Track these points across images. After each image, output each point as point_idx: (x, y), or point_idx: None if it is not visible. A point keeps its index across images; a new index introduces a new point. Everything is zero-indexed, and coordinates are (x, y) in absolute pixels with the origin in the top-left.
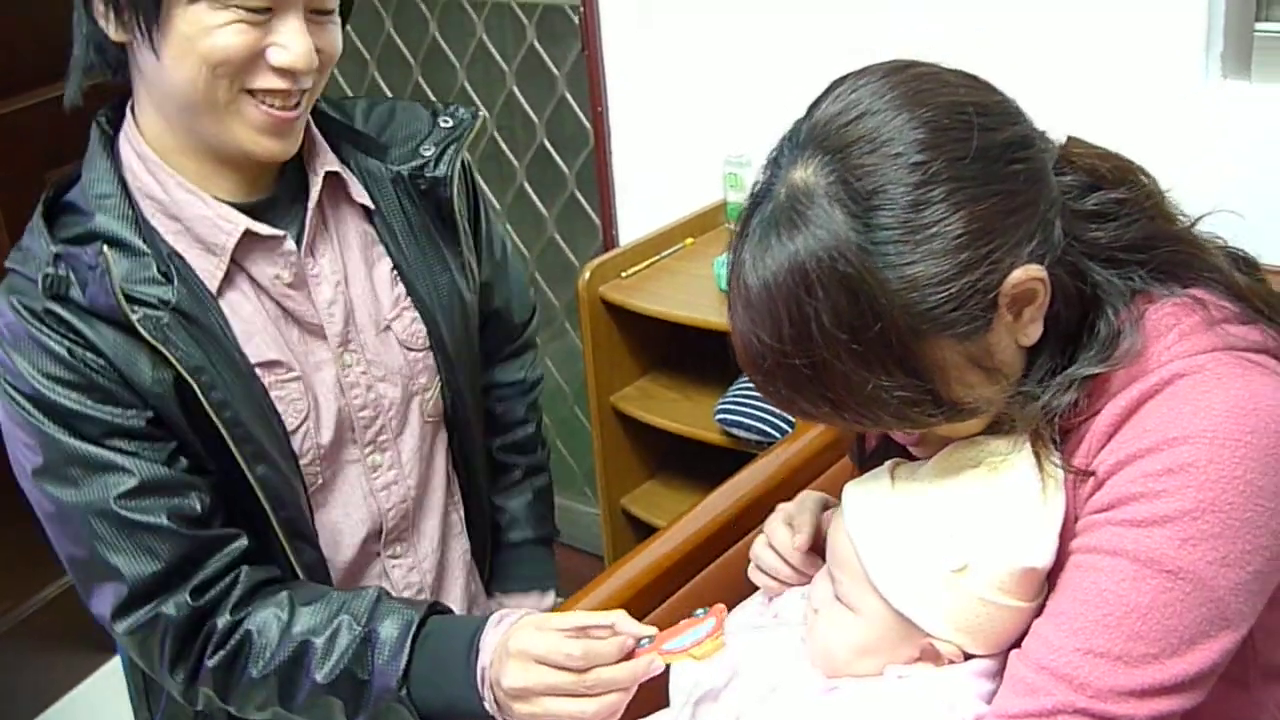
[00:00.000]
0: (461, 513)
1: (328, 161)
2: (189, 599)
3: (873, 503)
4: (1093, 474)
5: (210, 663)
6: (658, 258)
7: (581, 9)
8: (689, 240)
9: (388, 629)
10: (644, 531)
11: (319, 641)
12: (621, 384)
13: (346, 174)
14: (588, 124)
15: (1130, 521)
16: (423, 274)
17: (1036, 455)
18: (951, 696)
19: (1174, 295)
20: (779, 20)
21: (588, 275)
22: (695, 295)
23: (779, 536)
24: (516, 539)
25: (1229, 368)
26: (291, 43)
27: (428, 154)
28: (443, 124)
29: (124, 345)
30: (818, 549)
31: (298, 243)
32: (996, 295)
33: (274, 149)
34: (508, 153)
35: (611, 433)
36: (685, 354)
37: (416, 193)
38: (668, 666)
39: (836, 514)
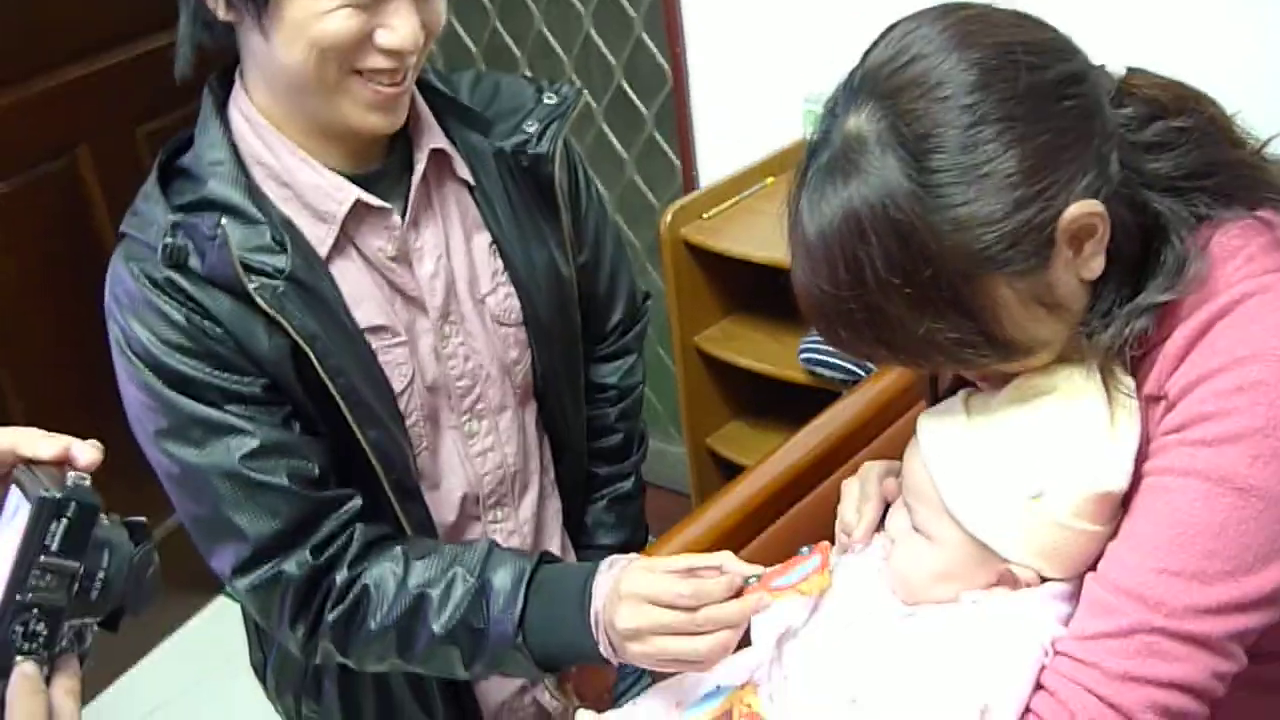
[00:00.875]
0: (553, 477)
1: (434, 138)
2: (309, 556)
3: (947, 431)
4: (1164, 397)
5: (330, 617)
6: (739, 198)
7: None
8: (770, 180)
9: (501, 578)
10: (730, 471)
11: (435, 593)
12: (705, 325)
13: (451, 150)
14: (665, 65)
15: (1201, 441)
16: (520, 249)
17: (1106, 383)
18: (1028, 619)
19: (1240, 218)
20: None
21: (669, 217)
22: (777, 235)
23: (848, 518)
24: (593, 544)
25: None
26: (400, 24)
27: (530, 130)
28: (547, 100)
29: (241, 313)
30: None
31: (402, 216)
32: (1053, 231)
33: (381, 124)
34: (586, 95)
35: (695, 373)
36: (768, 294)
37: (518, 169)
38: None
39: (912, 444)
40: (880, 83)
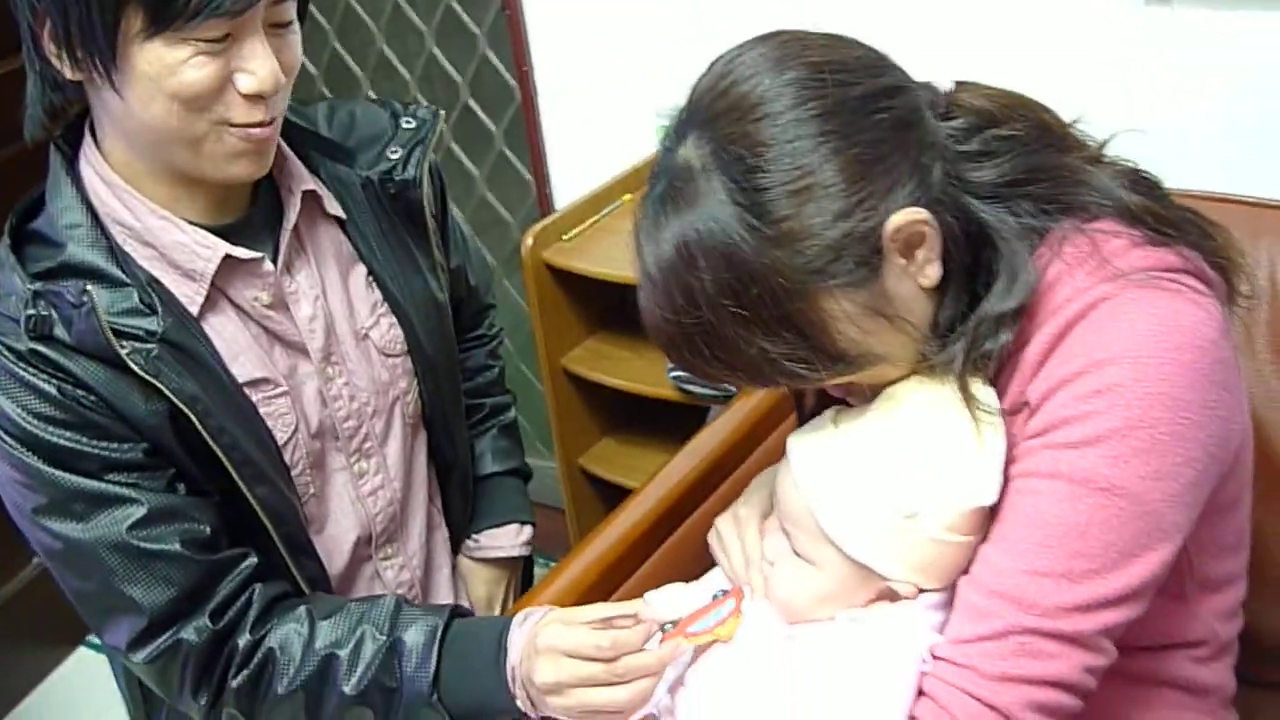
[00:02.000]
0: (440, 502)
1: (302, 179)
2: (208, 622)
3: (818, 454)
4: (1026, 403)
5: (234, 683)
6: (597, 217)
7: None
8: (626, 197)
9: (413, 636)
10: (602, 487)
11: (344, 653)
12: (570, 345)
13: (320, 189)
14: (512, 82)
15: (1063, 444)
16: (396, 278)
17: (964, 397)
18: (906, 631)
19: (1081, 228)
20: None
21: (530, 241)
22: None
23: (740, 575)
24: (484, 474)
25: (1147, 290)
26: (257, 67)
27: (395, 157)
28: (405, 125)
29: (114, 380)
30: None
31: (274, 261)
32: (878, 241)
33: (249, 172)
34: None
35: (564, 394)
36: (632, 312)
37: (386, 196)
38: (694, 649)
39: (784, 467)
40: (703, 111)
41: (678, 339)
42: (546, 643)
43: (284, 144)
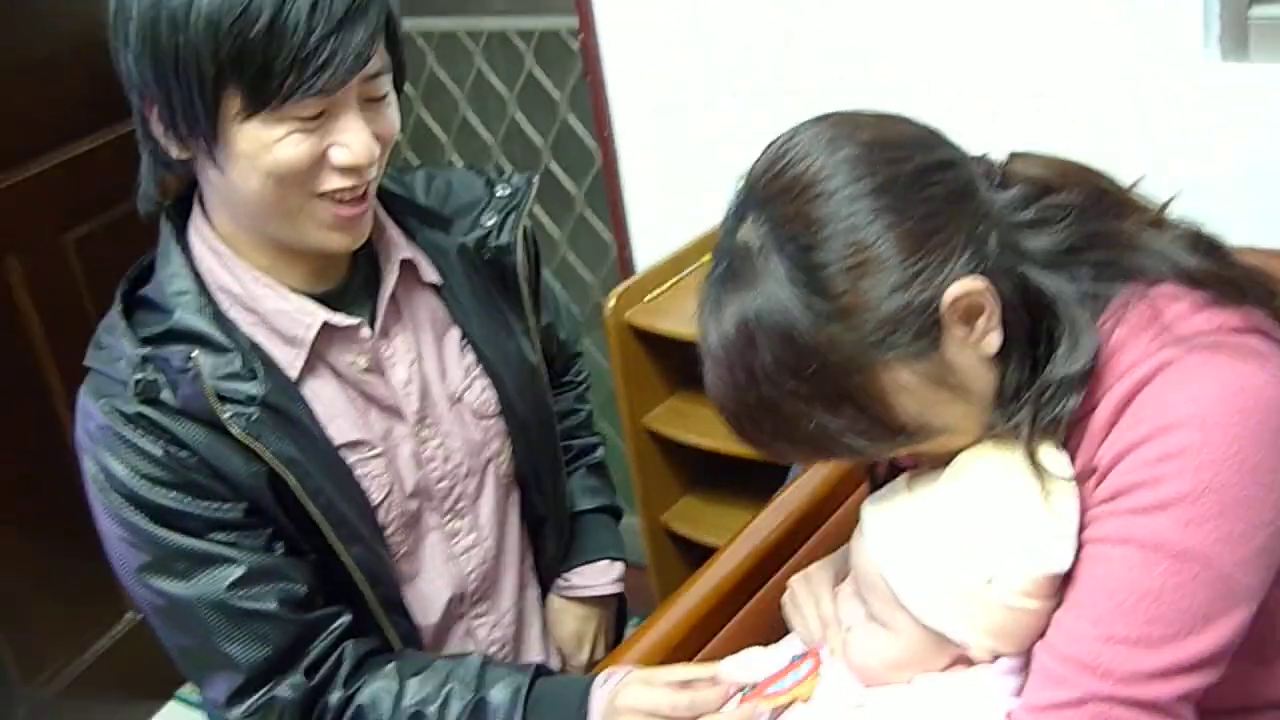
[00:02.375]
0: (531, 561)
1: (400, 248)
2: (303, 678)
3: (891, 520)
4: (1096, 469)
5: None
6: (678, 278)
7: (580, 33)
8: (706, 257)
9: (498, 694)
10: (684, 544)
11: (431, 710)
12: (653, 404)
13: (417, 257)
14: (593, 146)
15: (1134, 509)
16: (490, 341)
17: (1032, 463)
18: (983, 696)
19: (1142, 293)
20: (780, 33)
21: (613, 302)
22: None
23: (816, 636)
24: (573, 511)
25: (1211, 353)
26: (352, 140)
27: (489, 224)
28: (499, 193)
29: (215, 442)
30: None
31: (371, 326)
32: (937, 312)
33: (345, 243)
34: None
35: (646, 452)
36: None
37: (481, 262)
38: (772, 712)
39: (858, 534)
40: (759, 192)
41: (741, 416)
42: (626, 703)
43: (382, 212)
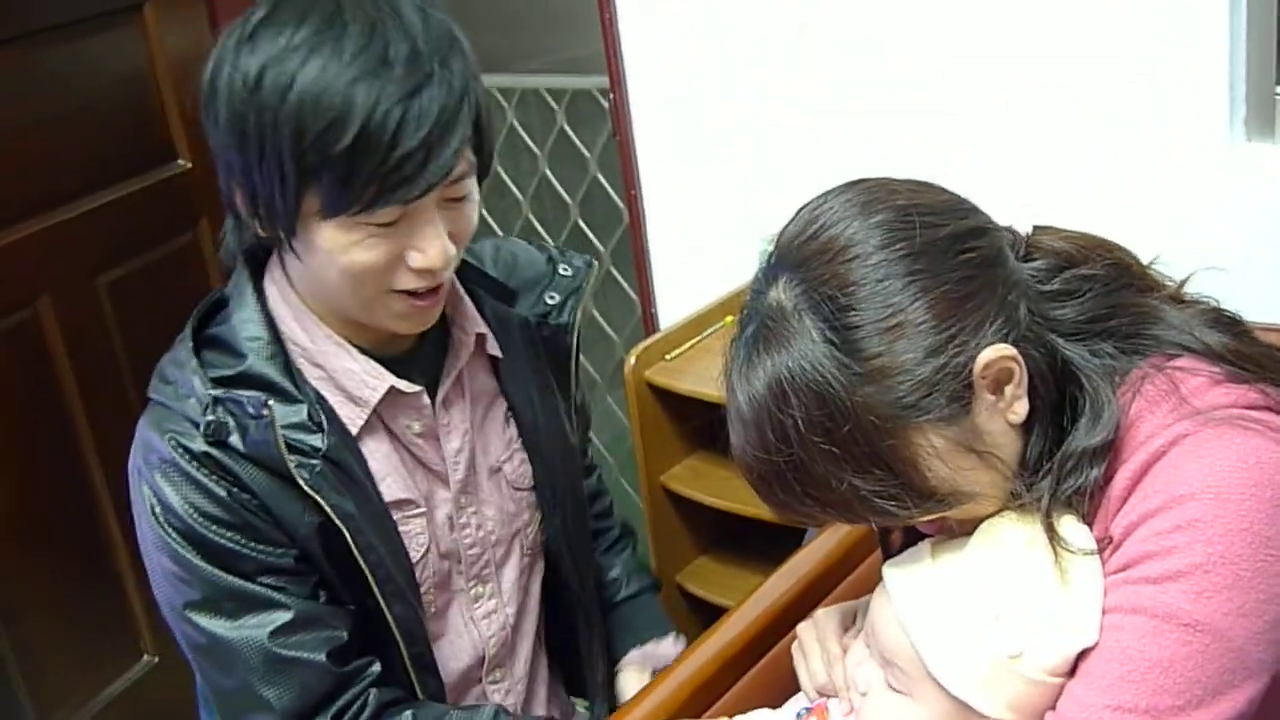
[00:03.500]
0: (543, 636)
1: (476, 323)
2: None
3: (919, 590)
4: (1109, 539)
5: None
6: (699, 338)
7: (611, 94)
8: (729, 319)
9: None
10: (697, 604)
11: None
12: (670, 463)
13: (486, 330)
14: (620, 204)
15: (1145, 579)
16: (535, 418)
17: (1050, 534)
18: None
19: (1160, 366)
20: (810, 97)
21: (633, 360)
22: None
23: (821, 680)
24: (631, 593)
25: (1227, 428)
26: (427, 246)
27: (552, 302)
28: (562, 272)
29: (277, 488)
30: None
31: (433, 393)
32: (969, 377)
33: (418, 328)
34: (541, 232)
35: (662, 510)
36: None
37: (538, 337)
38: None
39: (880, 597)
40: (793, 254)
41: (769, 476)
42: None
43: (458, 283)
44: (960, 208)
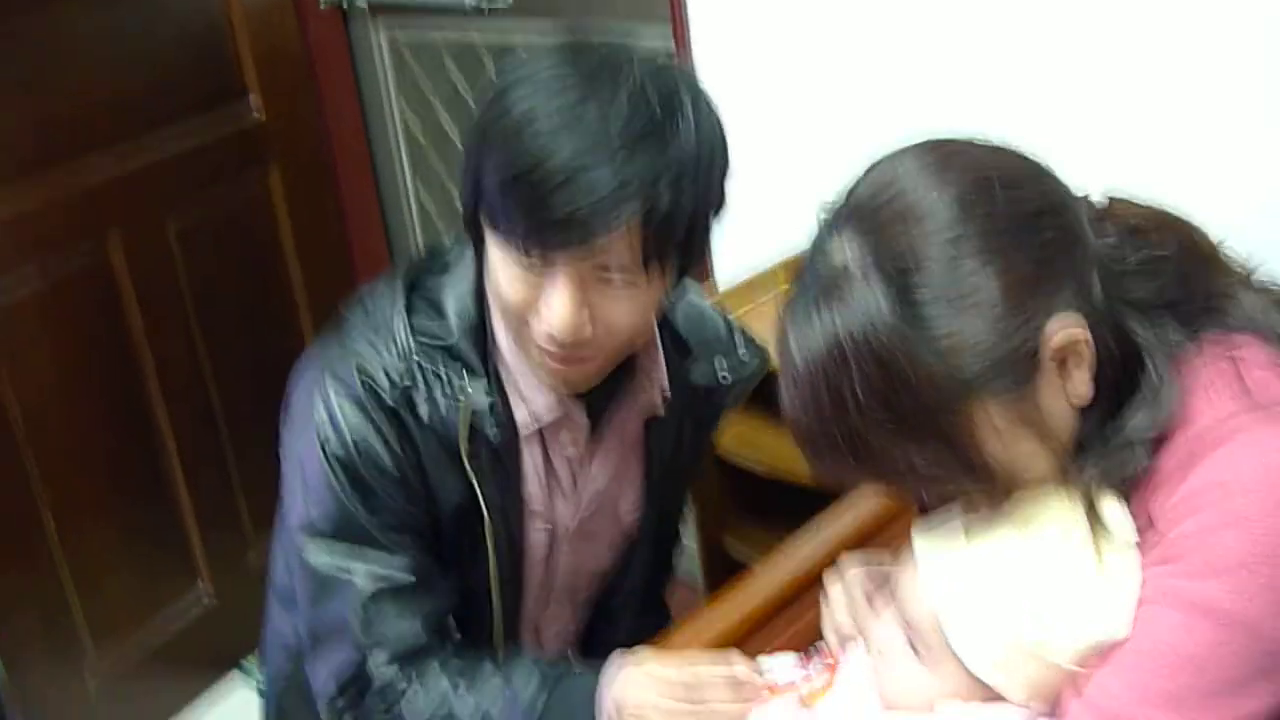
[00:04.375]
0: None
1: (663, 380)
2: (386, 661)
3: (949, 567)
4: (1151, 525)
5: (369, 700)
6: (754, 304)
7: (675, 54)
8: (782, 286)
9: (524, 674)
10: (739, 568)
11: (463, 687)
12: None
13: (667, 391)
14: None
15: (1187, 573)
16: (665, 479)
17: (1090, 523)
18: None
19: (1221, 349)
20: (874, 60)
21: None
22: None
23: (845, 626)
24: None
25: None
26: (551, 312)
27: (725, 382)
28: (741, 353)
29: (441, 459)
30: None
31: (597, 425)
32: (1038, 354)
33: (558, 384)
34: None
35: (709, 473)
36: (776, 395)
37: (695, 402)
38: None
39: (909, 565)
40: (864, 216)
41: (820, 441)
42: (637, 670)
43: (658, 333)
44: (1042, 177)
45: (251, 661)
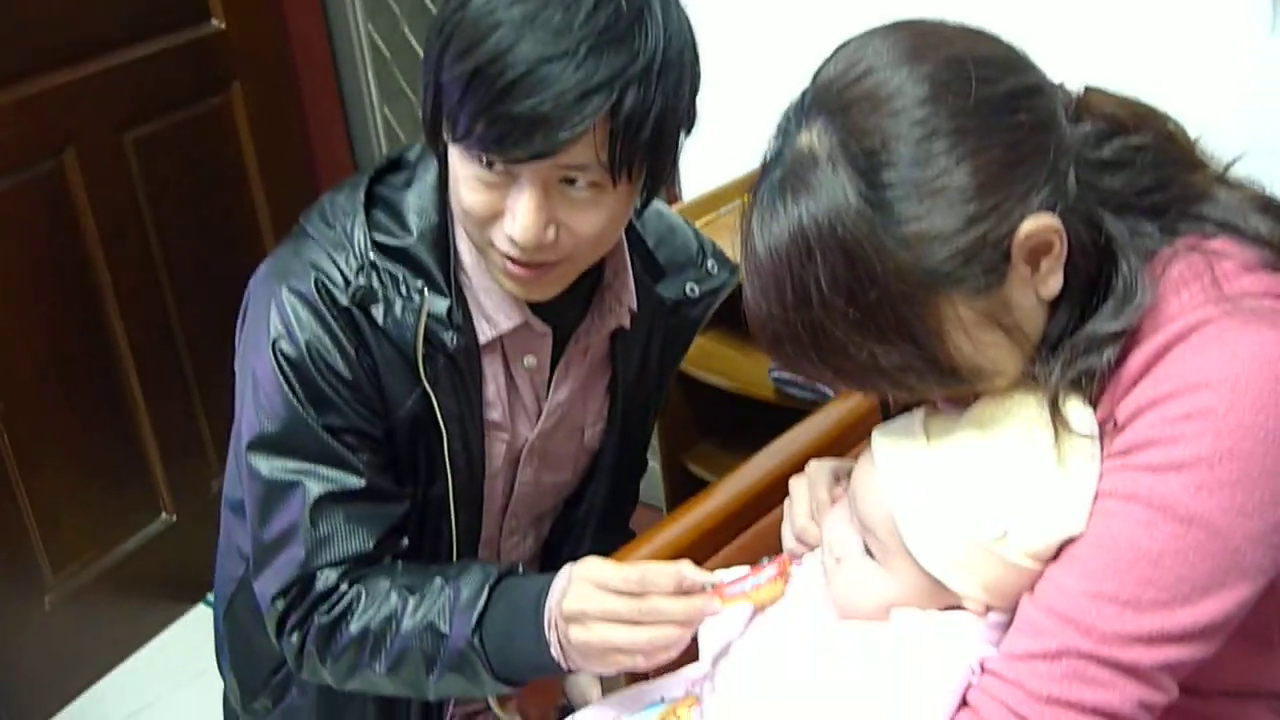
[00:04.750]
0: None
1: (631, 298)
2: (340, 577)
3: (906, 465)
4: (1114, 421)
5: (321, 619)
6: (716, 215)
7: None
8: (746, 198)
9: (469, 580)
10: (701, 487)
11: (411, 596)
12: None
13: (635, 308)
14: None
15: (1146, 467)
16: (631, 397)
17: (1053, 419)
18: (958, 638)
19: (1195, 246)
20: None
21: None
22: None
23: (801, 524)
24: None
25: (1255, 317)
26: (518, 215)
27: (692, 294)
28: (710, 269)
29: (397, 366)
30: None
31: (557, 336)
32: (1009, 247)
33: (521, 294)
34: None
35: (672, 391)
36: (741, 313)
37: (664, 318)
38: (744, 617)
39: (866, 464)
40: (831, 99)
41: (782, 336)
42: (581, 573)
43: (626, 248)
44: (1017, 62)
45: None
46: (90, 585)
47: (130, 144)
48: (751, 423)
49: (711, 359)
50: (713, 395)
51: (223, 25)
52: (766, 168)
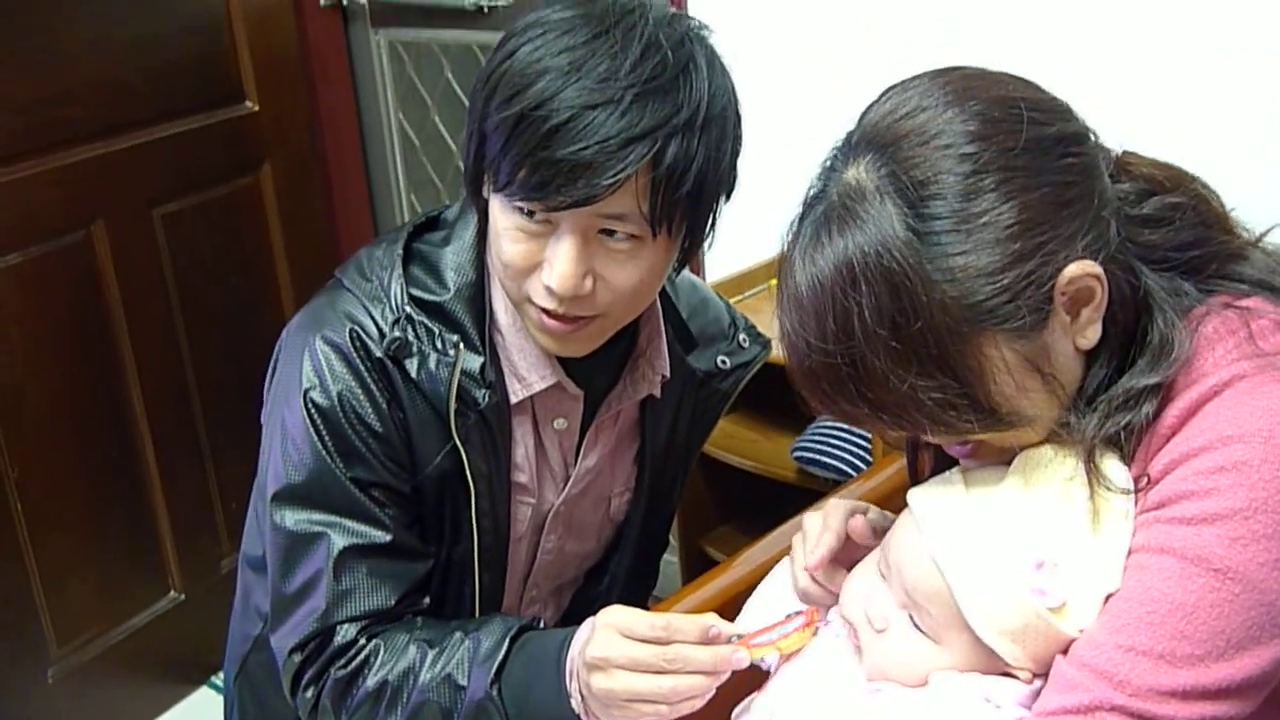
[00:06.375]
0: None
1: (665, 365)
2: (357, 631)
3: (953, 523)
4: (1147, 476)
5: (337, 673)
6: (741, 298)
7: None
8: (772, 282)
9: (490, 632)
10: None
11: (431, 651)
12: None
13: (668, 375)
14: None
15: (1180, 519)
16: (659, 468)
17: (1089, 476)
18: (993, 700)
19: (1229, 303)
20: (863, 58)
21: None
22: (773, 336)
23: (797, 555)
24: None
25: None
26: (556, 261)
27: (724, 367)
28: (742, 342)
29: (428, 422)
30: (843, 560)
31: (588, 400)
32: (1051, 290)
33: (554, 349)
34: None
35: (693, 474)
36: (764, 394)
37: (694, 390)
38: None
39: (907, 525)
40: (880, 134)
41: (821, 370)
42: (605, 619)
43: (661, 316)
44: (1064, 109)
45: (221, 679)
46: (95, 660)
47: (159, 219)
48: (772, 507)
49: (733, 440)
50: (733, 478)
51: (256, 107)
52: (809, 203)
